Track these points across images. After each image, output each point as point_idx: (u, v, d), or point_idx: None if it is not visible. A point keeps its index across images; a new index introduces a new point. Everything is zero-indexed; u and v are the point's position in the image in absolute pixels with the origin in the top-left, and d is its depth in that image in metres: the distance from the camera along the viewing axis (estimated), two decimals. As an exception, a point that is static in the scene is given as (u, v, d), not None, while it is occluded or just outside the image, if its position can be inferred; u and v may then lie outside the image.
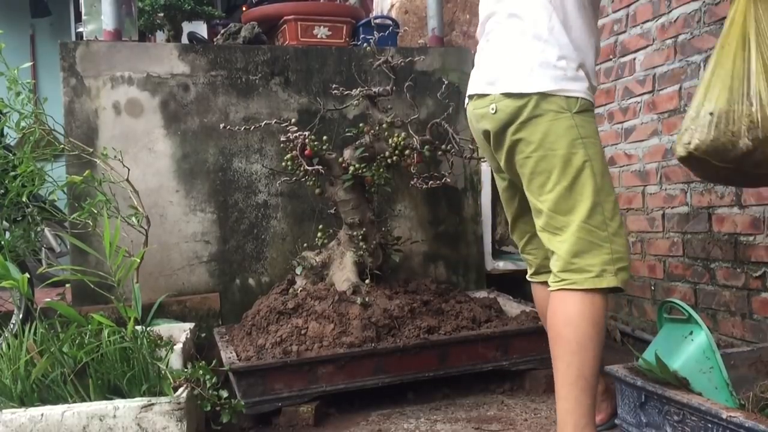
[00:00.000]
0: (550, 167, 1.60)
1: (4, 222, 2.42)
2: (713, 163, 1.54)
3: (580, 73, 1.62)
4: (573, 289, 1.57)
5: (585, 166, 1.58)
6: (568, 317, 1.56)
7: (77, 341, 1.81)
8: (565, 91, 1.59)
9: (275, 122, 2.51)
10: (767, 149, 1.48)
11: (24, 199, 2.27)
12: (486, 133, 1.72)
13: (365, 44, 2.92)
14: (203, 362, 1.88)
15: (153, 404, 1.65)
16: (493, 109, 1.65)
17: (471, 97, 1.77)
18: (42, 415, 1.63)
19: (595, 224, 1.57)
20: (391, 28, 3.26)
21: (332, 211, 2.70)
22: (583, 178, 1.58)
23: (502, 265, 3.10)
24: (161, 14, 3.17)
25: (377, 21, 3.29)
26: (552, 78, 1.59)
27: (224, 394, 1.86)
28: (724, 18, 2.24)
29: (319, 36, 3.11)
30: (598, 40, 1.75)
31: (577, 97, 1.60)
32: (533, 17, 1.62)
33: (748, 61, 1.51)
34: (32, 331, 1.85)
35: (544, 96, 1.59)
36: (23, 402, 1.72)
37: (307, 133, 2.42)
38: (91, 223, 2.28)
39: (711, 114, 1.52)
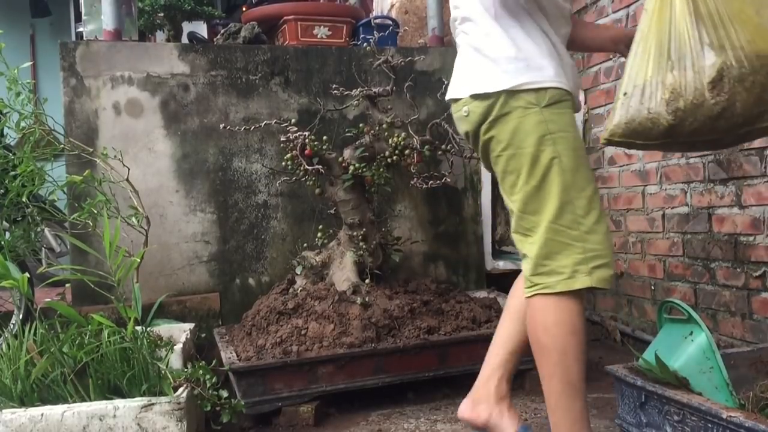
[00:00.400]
0: (519, 166, 1.55)
1: (4, 222, 2.42)
2: (639, 143, 1.44)
3: (545, 60, 1.55)
4: (547, 294, 1.52)
5: (553, 163, 1.51)
6: (545, 326, 1.53)
7: (77, 341, 1.81)
8: (532, 83, 1.52)
9: (275, 122, 2.51)
10: (699, 116, 1.32)
11: (24, 199, 2.27)
12: (467, 135, 1.71)
13: (365, 44, 2.92)
14: (203, 362, 1.88)
15: (153, 404, 1.65)
16: (465, 111, 1.63)
17: (450, 102, 1.76)
18: (42, 415, 1.63)
19: (565, 223, 1.51)
20: (391, 28, 3.26)
21: (332, 211, 2.70)
22: (551, 176, 1.52)
23: (502, 264, 3.10)
24: (161, 14, 3.17)
25: (377, 21, 3.29)
26: (516, 71, 1.53)
27: (224, 394, 1.86)
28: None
29: (319, 36, 3.11)
30: (565, 22, 1.65)
31: (547, 88, 1.52)
32: (480, 14, 1.59)
33: (670, 22, 1.36)
34: (32, 331, 1.85)
35: (511, 93, 1.53)
36: (23, 402, 1.72)
37: (307, 133, 2.42)
38: (91, 223, 2.28)
39: (625, 94, 1.39)
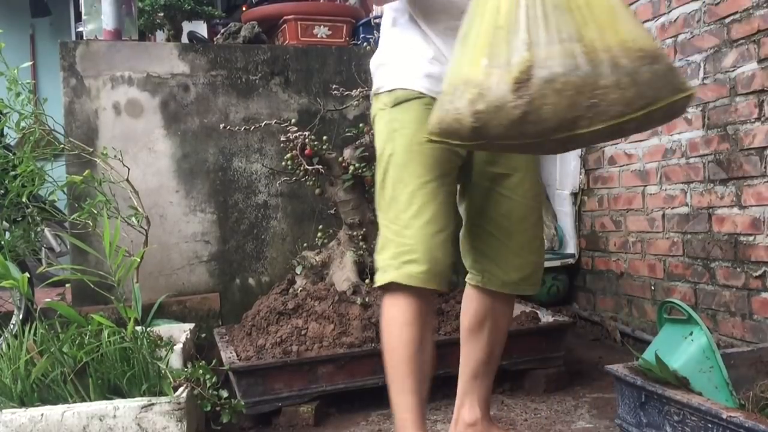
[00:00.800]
0: (377, 165, 1.62)
1: (4, 222, 2.42)
2: (457, 143, 1.30)
3: (403, 64, 1.58)
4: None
5: (390, 160, 1.55)
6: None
7: (77, 341, 1.81)
8: (384, 86, 1.59)
9: (275, 122, 2.51)
10: (501, 119, 1.16)
11: (24, 199, 2.27)
12: None
13: (365, 44, 2.93)
14: (203, 362, 1.88)
15: (153, 404, 1.65)
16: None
17: None
18: (42, 415, 1.62)
19: (390, 218, 1.53)
20: (391, 27, 3.25)
21: (332, 211, 2.71)
22: (389, 172, 1.55)
23: (502, 265, 3.09)
24: (161, 14, 3.17)
25: (377, 20, 3.29)
26: (380, 77, 1.62)
27: (224, 394, 1.86)
28: (725, 18, 2.25)
29: (319, 36, 3.11)
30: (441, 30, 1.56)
31: (394, 89, 1.57)
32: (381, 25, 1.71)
33: (483, 17, 1.22)
34: (32, 331, 1.85)
35: (376, 96, 1.63)
36: (23, 402, 1.72)
37: (307, 133, 2.42)
38: (91, 223, 2.28)
39: (443, 93, 1.28)
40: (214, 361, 1.98)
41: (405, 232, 1.50)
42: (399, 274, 1.49)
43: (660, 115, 1.20)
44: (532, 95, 1.13)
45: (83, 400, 1.72)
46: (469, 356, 1.74)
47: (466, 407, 1.74)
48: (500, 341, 1.75)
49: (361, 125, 2.58)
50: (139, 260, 2.08)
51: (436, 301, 1.46)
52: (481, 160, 1.64)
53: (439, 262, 1.50)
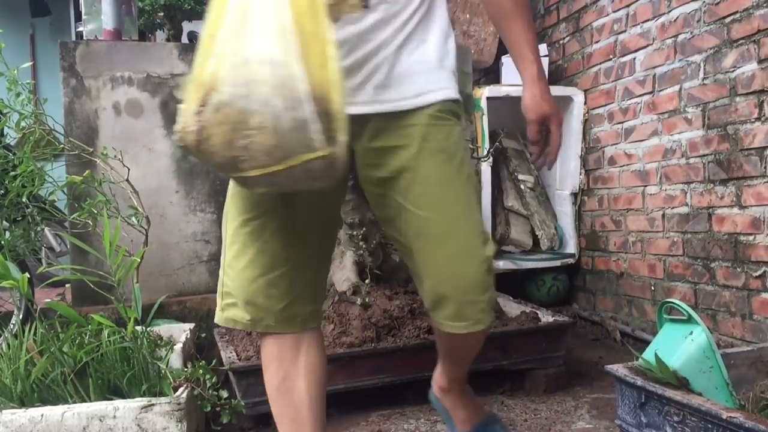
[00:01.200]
0: None
1: (4, 222, 2.42)
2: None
3: None
4: None
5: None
6: None
7: (77, 341, 1.81)
8: None
9: (275, 122, 2.51)
10: (189, 142, 1.04)
11: (24, 199, 2.27)
12: None
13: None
14: (203, 362, 1.88)
15: (153, 404, 1.65)
16: None
17: None
18: (42, 415, 1.62)
19: (223, 250, 1.40)
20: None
21: (332, 211, 2.70)
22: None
23: (502, 264, 3.10)
24: (161, 14, 3.17)
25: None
26: None
27: (224, 394, 1.86)
28: (725, 17, 2.25)
29: (319, 36, 3.11)
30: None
31: None
32: None
33: (209, 18, 1.06)
34: (32, 331, 1.85)
35: None
36: (23, 402, 1.72)
37: (307, 133, 2.42)
38: (91, 223, 2.28)
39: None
40: (214, 361, 1.98)
41: (228, 272, 1.38)
42: (222, 318, 1.40)
43: (301, 174, 1.02)
44: (202, 123, 1.00)
45: (83, 400, 1.72)
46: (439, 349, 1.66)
47: (440, 375, 1.72)
48: (461, 360, 1.62)
49: (361, 125, 2.57)
50: (139, 260, 2.08)
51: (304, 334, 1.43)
52: (361, 164, 1.35)
53: (261, 309, 1.35)
